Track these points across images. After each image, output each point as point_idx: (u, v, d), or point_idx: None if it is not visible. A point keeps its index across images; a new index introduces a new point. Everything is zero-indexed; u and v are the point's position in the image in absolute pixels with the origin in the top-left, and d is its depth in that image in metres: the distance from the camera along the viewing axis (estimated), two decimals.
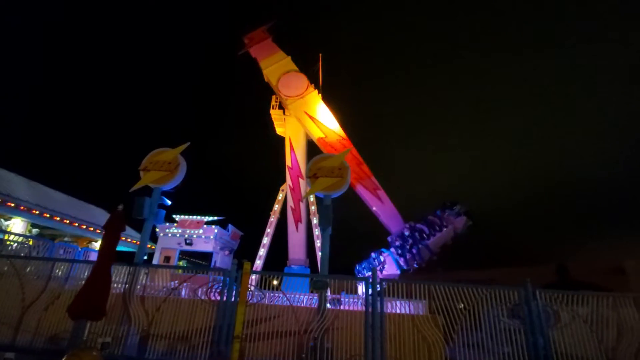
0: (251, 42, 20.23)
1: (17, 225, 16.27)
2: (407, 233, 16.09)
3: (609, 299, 6.23)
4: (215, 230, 18.78)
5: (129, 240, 22.08)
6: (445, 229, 15.94)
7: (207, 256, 20.05)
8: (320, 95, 19.76)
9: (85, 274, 7.59)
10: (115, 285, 6.99)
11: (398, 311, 7.28)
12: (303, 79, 18.95)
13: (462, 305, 6.48)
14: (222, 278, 7.07)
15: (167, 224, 18.78)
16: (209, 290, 7.03)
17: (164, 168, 8.93)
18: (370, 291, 6.68)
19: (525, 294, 6.44)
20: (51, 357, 6.12)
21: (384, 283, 6.78)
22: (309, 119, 18.66)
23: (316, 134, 18.64)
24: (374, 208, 18.15)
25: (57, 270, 7.81)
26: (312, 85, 19.35)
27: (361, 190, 17.91)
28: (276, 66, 19.38)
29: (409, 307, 7.26)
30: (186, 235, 18.55)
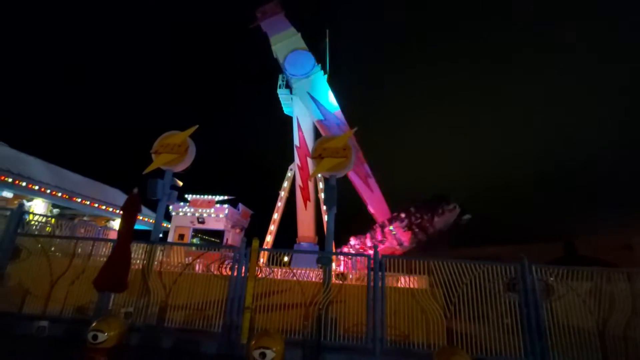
0: (263, 15, 19.56)
1: (38, 206, 17.11)
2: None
3: (604, 273, 6.44)
4: (226, 209, 19.40)
5: (145, 219, 22.96)
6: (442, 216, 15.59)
7: (219, 234, 20.82)
8: (326, 75, 19.57)
9: (106, 250, 8.13)
10: (134, 261, 7.52)
11: (398, 284, 7.67)
12: (310, 58, 18.55)
13: (469, 280, 6.78)
14: (232, 254, 7.51)
15: (180, 203, 19.44)
16: (220, 265, 7.51)
17: (174, 151, 9.26)
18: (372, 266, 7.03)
19: (521, 269, 6.70)
20: (79, 325, 6.73)
21: (385, 259, 7.11)
22: (311, 100, 18.57)
23: (316, 116, 18.58)
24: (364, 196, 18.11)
25: (79, 249, 8.36)
26: (320, 65, 19.08)
27: (352, 177, 17.77)
28: (285, 42, 18.91)
29: (409, 281, 7.64)
30: (198, 214, 19.20)
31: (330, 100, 18.72)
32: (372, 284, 6.89)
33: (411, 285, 7.63)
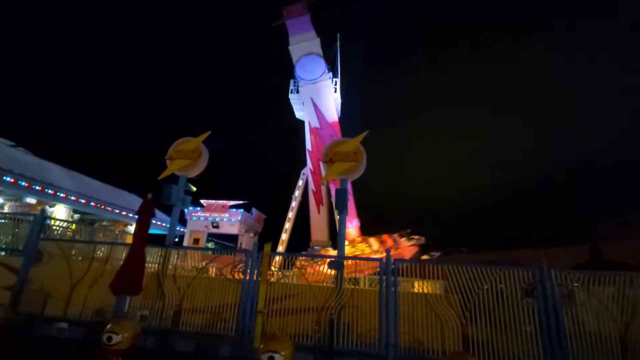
0: (289, 14, 19.37)
1: (60, 211, 17.72)
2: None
3: (627, 278, 6.16)
4: (240, 214, 19.60)
5: (160, 224, 23.42)
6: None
7: (233, 238, 21.05)
8: (334, 82, 19.67)
9: (123, 254, 8.32)
10: (149, 264, 7.67)
11: (411, 290, 7.55)
12: (321, 65, 18.48)
13: (487, 286, 6.61)
14: (245, 258, 7.56)
15: (194, 208, 19.76)
16: (233, 269, 7.57)
17: (188, 156, 9.43)
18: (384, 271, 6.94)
19: (540, 274, 6.48)
20: (97, 328, 6.88)
21: (398, 263, 7.01)
22: (312, 106, 18.71)
23: (313, 123, 18.65)
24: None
25: (98, 252, 8.60)
26: (330, 73, 19.14)
27: (333, 190, 17.88)
28: (303, 45, 18.84)
29: (423, 286, 7.50)
30: (212, 219, 19.46)
31: (331, 110, 18.78)
32: (385, 288, 6.80)
33: (425, 291, 7.49)
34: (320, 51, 18.92)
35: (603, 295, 6.22)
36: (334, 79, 20.40)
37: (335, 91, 20.47)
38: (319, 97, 18.71)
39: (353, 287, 7.71)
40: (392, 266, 6.91)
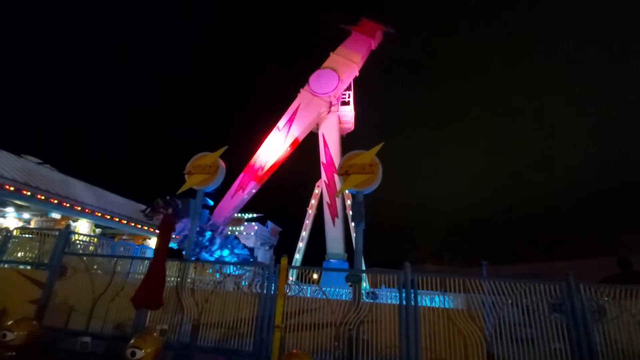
0: (362, 27, 18.83)
1: (82, 226, 18.26)
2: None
3: None
4: (256, 227, 19.76)
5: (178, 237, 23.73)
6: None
7: (249, 252, 21.10)
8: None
9: (143, 269, 8.47)
10: (168, 279, 7.77)
11: (432, 304, 7.35)
12: (334, 83, 18.15)
13: (510, 300, 6.40)
14: (262, 272, 7.57)
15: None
16: (250, 283, 7.58)
17: (205, 171, 9.63)
18: (403, 284, 6.81)
19: (567, 288, 6.22)
20: (118, 342, 6.97)
21: (417, 275, 6.87)
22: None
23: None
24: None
25: (118, 267, 8.78)
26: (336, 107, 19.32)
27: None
28: (341, 60, 18.34)
29: (444, 300, 7.30)
30: (229, 232, 19.63)
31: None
32: (404, 302, 6.65)
33: (447, 305, 7.29)
34: (346, 76, 18.53)
35: (636, 310, 5.91)
36: (347, 92, 20.55)
37: (349, 103, 20.63)
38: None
39: (372, 301, 7.57)
40: (411, 278, 6.78)
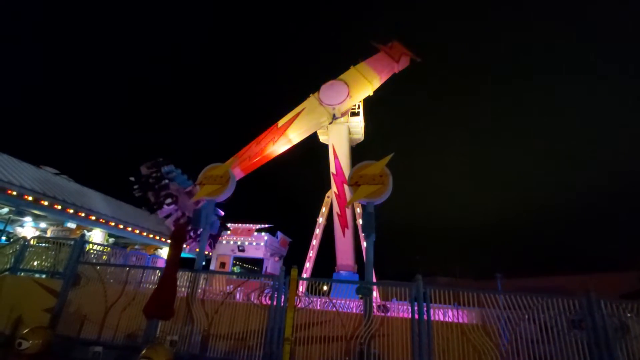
0: (389, 49, 18.64)
1: (96, 235, 18.56)
2: None
3: None
4: (265, 238, 19.73)
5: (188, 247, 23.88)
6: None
7: (258, 262, 21.09)
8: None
9: (154, 278, 8.52)
10: (179, 289, 7.80)
11: (445, 319, 7.16)
12: (342, 96, 17.93)
13: (527, 315, 6.20)
14: (272, 283, 7.53)
15: (223, 231, 20.09)
16: (260, 295, 7.54)
17: (216, 182, 9.74)
18: (415, 298, 6.67)
19: (587, 304, 5.99)
20: (129, 352, 6.99)
21: (429, 289, 6.73)
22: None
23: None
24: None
25: (130, 277, 8.85)
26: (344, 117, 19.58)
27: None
28: (358, 76, 18.28)
29: (457, 314, 7.11)
30: (239, 243, 19.68)
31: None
32: (416, 316, 6.50)
33: (460, 320, 7.09)
34: (356, 93, 18.41)
35: None
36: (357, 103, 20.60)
37: (358, 114, 20.69)
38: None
39: (383, 314, 7.43)
40: (424, 291, 6.64)
